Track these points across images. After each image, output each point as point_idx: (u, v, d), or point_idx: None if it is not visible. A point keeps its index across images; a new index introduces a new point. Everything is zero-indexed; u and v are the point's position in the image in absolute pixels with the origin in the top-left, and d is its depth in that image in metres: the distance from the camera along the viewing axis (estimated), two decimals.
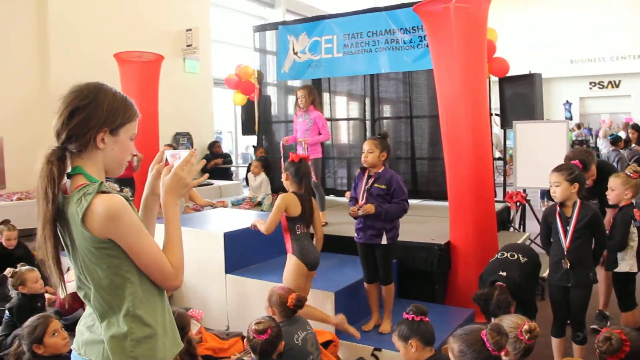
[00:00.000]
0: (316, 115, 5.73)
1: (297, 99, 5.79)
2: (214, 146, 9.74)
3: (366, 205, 3.72)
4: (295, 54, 7.82)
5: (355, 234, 3.93)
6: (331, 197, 7.95)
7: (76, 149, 1.60)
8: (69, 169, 1.61)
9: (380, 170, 3.79)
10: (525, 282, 3.47)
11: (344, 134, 8.46)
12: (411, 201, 7.14)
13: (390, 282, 3.89)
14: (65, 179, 1.60)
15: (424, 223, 5.81)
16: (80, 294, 1.65)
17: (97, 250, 1.54)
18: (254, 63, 8.49)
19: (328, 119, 7.83)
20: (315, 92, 5.89)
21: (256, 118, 8.47)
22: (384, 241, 3.78)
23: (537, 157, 5.75)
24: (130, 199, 1.59)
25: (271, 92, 8.63)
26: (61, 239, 1.62)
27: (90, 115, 1.59)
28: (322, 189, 5.79)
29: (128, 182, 6.26)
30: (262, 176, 7.31)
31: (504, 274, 3.45)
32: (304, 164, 3.64)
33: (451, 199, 4.82)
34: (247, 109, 8.71)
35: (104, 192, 1.55)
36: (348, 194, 5.02)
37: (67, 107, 1.59)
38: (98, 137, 1.60)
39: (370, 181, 3.79)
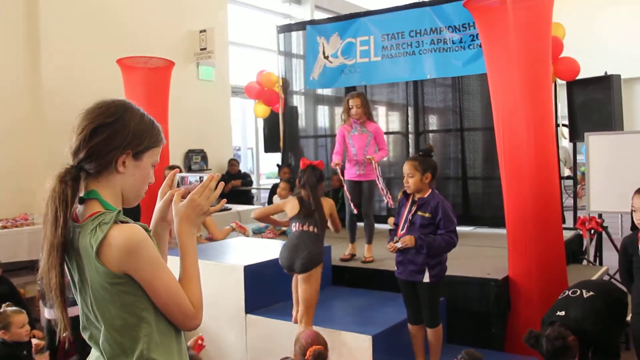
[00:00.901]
0: (375, 128, 5.73)
1: (347, 109, 5.73)
2: (230, 164, 9.91)
3: (405, 236, 3.75)
4: (326, 58, 7.93)
5: (395, 268, 3.96)
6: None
7: (94, 170, 1.65)
8: (81, 193, 1.66)
9: (425, 195, 3.82)
10: (594, 322, 3.36)
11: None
12: (462, 228, 7.29)
13: (437, 324, 3.89)
14: (77, 204, 1.65)
15: (477, 255, 5.82)
16: (85, 335, 1.68)
17: (112, 286, 1.58)
18: (278, 69, 8.61)
19: None
20: (367, 100, 5.92)
21: (281, 132, 8.56)
22: (426, 279, 3.79)
23: (615, 176, 5.72)
24: (149, 229, 1.64)
25: (298, 102, 8.74)
26: (67, 272, 1.66)
27: (116, 133, 1.65)
28: (373, 217, 5.79)
29: (132, 208, 6.38)
30: (291, 200, 7.31)
31: (562, 313, 3.39)
32: (309, 171, 4.20)
33: (510, 226, 4.81)
34: (271, 122, 8.81)
35: (121, 221, 1.59)
36: (391, 220, 5.10)
37: (91, 123, 1.64)
38: (120, 159, 1.66)
39: (414, 208, 3.81)
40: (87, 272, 1.60)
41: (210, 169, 9.54)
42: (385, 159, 8.27)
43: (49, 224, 1.59)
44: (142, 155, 1.70)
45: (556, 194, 4.79)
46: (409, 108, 7.93)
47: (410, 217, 3.80)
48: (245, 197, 9.75)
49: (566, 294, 3.60)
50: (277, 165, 8.84)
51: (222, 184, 1.80)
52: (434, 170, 3.84)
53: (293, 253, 3.99)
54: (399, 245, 3.75)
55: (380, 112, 8.45)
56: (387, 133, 8.28)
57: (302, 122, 8.74)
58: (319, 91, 8.48)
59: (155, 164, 1.76)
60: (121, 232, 1.56)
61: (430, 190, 3.84)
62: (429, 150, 3.92)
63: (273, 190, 8.23)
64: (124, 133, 1.66)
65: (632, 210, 3.37)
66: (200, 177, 1.80)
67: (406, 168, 3.82)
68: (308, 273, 3.94)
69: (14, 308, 3.88)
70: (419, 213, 3.77)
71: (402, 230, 3.83)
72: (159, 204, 1.85)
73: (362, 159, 5.59)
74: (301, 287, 3.97)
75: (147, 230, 1.62)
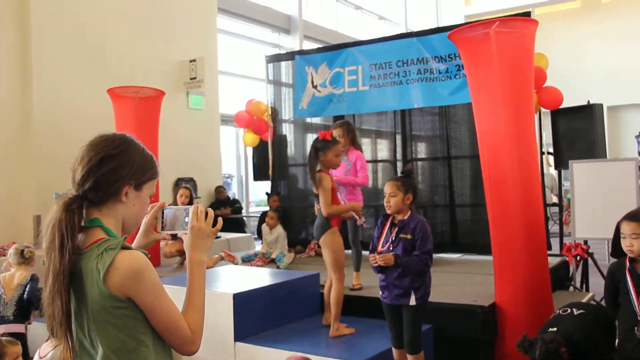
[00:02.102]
0: (356, 156, 5.83)
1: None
2: (218, 191, 9.88)
3: (386, 254, 3.76)
4: (315, 87, 7.99)
5: (381, 293, 3.97)
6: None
7: (98, 199, 1.72)
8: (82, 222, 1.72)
9: (406, 217, 3.84)
10: (585, 335, 3.30)
11: (372, 178, 8.49)
12: (450, 256, 7.37)
13: (418, 350, 3.87)
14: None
15: (465, 282, 5.82)
16: None
17: (115, 309, 1.63)
18: (267, 98, 8.70)
19: None
20: (353, 127, 6.00)
21: (270, 161, 8.59)
22: (412, 302, 3.81)
23: (600, 202, 5.74)
24: (148, 255, 1.70)
25: (287, 130, 8.80)
26: None
27: (122, 164, 1.73)
28: (359, 244, 5.82)
29: None
30: (279, 230, 7.38)
31: (554, 329, 3.37)
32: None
33: (496, 253, 4.83)
34: (260, 151, 8.86)
35: (126, 247, 1.66)
36: None
37: (98, 154, 1.71)
38: (124, 190, 1.74)
39: (395, 230, 3.84)
40: (87, 296, 1.64)
41: (199, 197, 9.54)
42: (372, 186, 8.32)
43: (55, 251, 1.63)
44: (142, 186, 1.79)
45: (541, 220, 4.83)
46: (397, 136, 7.97)
47: (392, 238, 3.82)
48: (235, 225, 9.72)
49: (557, 312, 3.60)
50: (266, 193, 8.84)
51: (211, 210, 1.86)
52: (415, 191, 3.88)
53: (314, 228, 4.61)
54: (379, 259, 3.75)
55: (369, 140, 8.50)
56: (376, 161, 8.35)
57: (291, 150, 8.77)
58: (308, 119, 8.53)
59: (152, 195, 1.84)
60: (126, 258, 1.63)
61: (409, 212, 3.86)
62: (409, 172, 3.96)
63: (262, 218, 8.20)
64: (130, 164, 1.74)
65: (623, 237, 3.41)
66: (185, 210, 1.87)
67: (388, 188, 3.85)
68: (322, 238, 4.51)
69: (9, 338, 3.89)
70: (401, 235, 3.79)
71: (382, 247, 3.85)
72: (141, 230, 1.92)
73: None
74: (323, 253, 4.60)
75: (146, 254, 1.68)
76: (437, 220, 7.56)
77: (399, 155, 8.01)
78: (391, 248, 3.81)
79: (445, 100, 7.07)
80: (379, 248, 3.88)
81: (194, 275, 1.80)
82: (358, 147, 5.98)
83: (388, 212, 3.87)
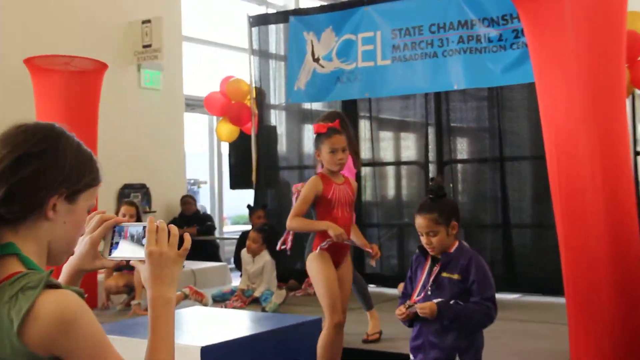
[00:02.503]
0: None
1: None
2: (184, 203, 9.92)
3: (424, 303, 3.70)
4: (316, 61, 8.04)
5: (411, 357, 3.91)
6: (375, 289, 7.94)
7: (13, 216, 1.66)
8: None
9: (452, 250, 3.84)
10: None
11: (394, 187, 8.61)
12: (503, 296, 7.22)
13: None
14: None
15: (525, 333, 5.77)
16: None
17: None
18: (251, 75, 8.64)
19: (370, 164, 8.12)
20: (347, 122, 6.12)
21: (253, 162, 8.55)
22: None
23: None
24: (84, 295, 1.65)
25: (277, 120, 8.81)
26: None
27: (47, 167, 1.67)
28: (358, 274, 5.97)
29: None
30: (265, 257, 7.36)
31: None
32: None
33: (571, 294, 4.76)
34: (240, 148, 8.85)
35: (52, 285, 1.59)
36: (401, 286, 5.00)
37: (13, 152, 1.66)
38: (50, 202, 1.68)
39: (436, 269, 3.83)
40: None
41: (154, 212, 9.52)
42: (395, 198, 8.50)
43: None
44: (77, 197, 1.74)
45: (637, 247, 4.72)
46: (430, 129, 8.00)
47: (431, 280, 3.82)
48: (205, 250, 9.73)
49: None
50: (248, 207, 8.82)
51: (174, 227, 1.86)
52: (457, 213, 3.88)
53: None
54: (417, 310, 3.71)
55: (390, 134, 8.55)
56: (399, 163, 8.44)
57: (282, 147, 8.81)
58: (307, 105, 8.58)
59: (91, 209, 1.81)
60: (53, 302, 1.56)
61: (456, 243, 3.86)
62: (439, 187, 3.93)
63: (242, 241, 8.22)
64: (59, 167, 1.69)
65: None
66: (144, 227, 1.86)
67: (422, 224, 3.80)
68: (306, 265, 4.80)
69: None
70: (444, 274, 3.79)
71: (417, 296, 3.82)
72: (77, 251, 1.89)
73: None
74: None
75: (82, 295, 1.62)
76: (484, 247, 7.59)
77: (431, 156, 8.02)
78: (429, 292, 3.79)
79: (497, 79, 7.10)
80: (414, 297, 3.83)
81: (159, 318, 1.78)
82: (349, 149, 6.08)
83: (432, 253, 3.85)
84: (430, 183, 4.00)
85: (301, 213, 4.74)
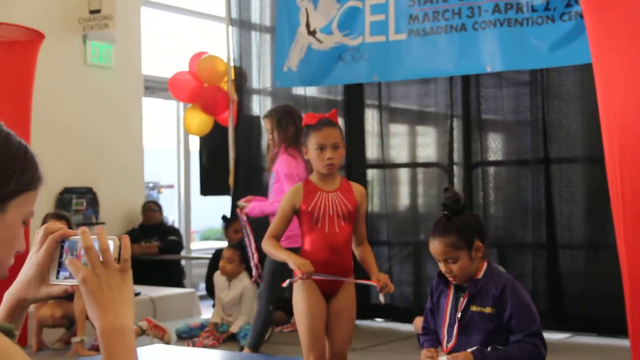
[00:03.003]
0: (283, 162, 6.49)
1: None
2: (147, 210, 9.98)
3: (458, 354, 3.74)
4: (312, 34, 8.08)
5: None
6: (383, 324, 7.97)
7: None
8: None
9: (480, 276, 3.90)
10: None
11: (408, 195, 8.63)
12: (549, 336, 6.77)
13: None
14: None
15: None
16: None
17: None
18: (229, 51, 8.70)
19: (378, 165, 8.23)
20: (295, 117, 6.54)
21: (231, 161, 8.59)
22: None
23: None
24: (16, 333, 1.66)
25: (262, 108, 8.77)
26: None
27: None
28: (267, 303, 6.49)
29: None
30: (243, 281, 7.41)
31: None
32: None
33: (637, 336, 4.75)
34: (213, 143, 8.97)
35: None
36: (418, 323, 5.06)
37: None
38: None
39: (463, 301, 3.88)
40: None
41: (102, 223, 9.50)
42: (409, 209, 8.57)
43: None
44: (6, 204, 1.74)
45: None
46: (455, 122, 8.02)
47: (458, 315, 3.88)
48: (168, 273, 9.75)
49: None
50: (224, 218, 8.83)
51: (126, 238, 1.85)
52: (482, 230, 3.97)
53: None
54: None
55: (404, 129, 8.61)
56: (415, 165, 8.47)
57: (266, 142, 8.54)
58: (299, 90, 8.60)
59: (28, 219, 1.80)
60: None
61: (484, 266, 3.92)
62: (455, 201, 3.97)
63: (215, 260, 8.27)
64: None
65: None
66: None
67: (438, 250, 3.87)
68: None
69: None
70: (474, 308, 3.85)
71: (448, 339, 3.87)
72: (33, 260, 1.89)
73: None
74: None
75: (11, 333, 1.60)
76: (524, 273, 7.60)
77: (456, 156, 8.06)
78: (455, 328, 3.84)
79: (543, 59, 7.13)
80: (444, 344, 3.89)
81: (113, 354, 1.75)
82: (293, 150, 6.45)
83: (455, 282, 3.93)
84: (445, 194, 4.04)
85: (277, 232, 4.84)
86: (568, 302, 7.49)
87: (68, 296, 6.42)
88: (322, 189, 4.77)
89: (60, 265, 1.90)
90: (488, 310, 3.80)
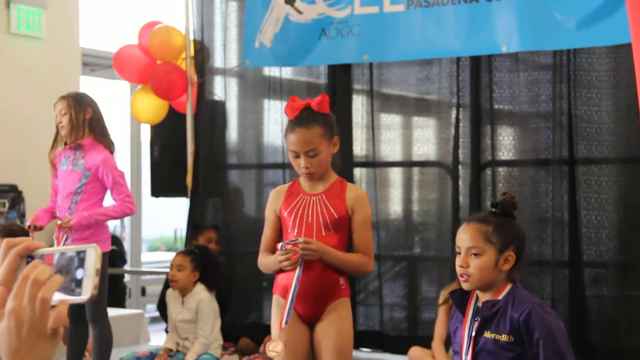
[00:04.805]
0: (103, 159, 6.29)
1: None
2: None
3: None
4: (291, 2, 7.93)
5: None
6: (372, 355, 8.03)
7: None
8: None
9: (500, 296, 3.86)
10: None
11: (401, 200, 8.39)
12: None
13: None
14: None
15: None
16: None
17: None
18: (187, 21, 8.61)
19: (366, 163, 8.25)
20: (92, 104, 6.48)
21: (189, 156, 8.46)
22: None
23: None
24: None
25: (228, 92, 8.79)
26: None
27: None
28: (106, 325, 6.48)
29: None
30: (199, 294, 7.21)
31: None
32: None
33: None
34: (168, 134, 8.92)
35: None
36: (415, 351, 5.98)
37: None
38: None
39: (477, 325, 3.88)
40: None
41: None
42: (405, 214, 8.50)
43: None
44: None
45: None
46: (461, 112, 7.78)
47: (472, 342, 3.88)
48: (109, 291, 9.23)
49: None
50: (193, 225, 8.78)
51: (62, 305, 1.79)
52: (522, 244, 3.90)
53: None
54: None
55: (399, 120, 8.36)
56: (412, 164, 8.27)
57: (233, 134, 8.74)
58: (273, 72, 8.48)
59: None
60: None
61: (508, 287, 3.86)
62: (510, 204, 3.93)
63: (167, 282, 8.16)
64: None
65: None
66: (78, 253, 1.84)
67: (466, 237, 3.87)
68: None
69: None
70: (487, 335, 3.83)
71: None
72: None
73: (63, 218, 6.26)
74: None
75: None
76: (542, 295, 7.31)
77: (462, 154, 7.80)
78: (469, 357, 3.85)
79: (570, 38, 6.90)
80: None
81: None
82: (105, 141, 6.45)
83: (465, 286, 3.93)
84: (501, 196, 4.01)
85: (266, 244, 4.81)
86: (593, 331, 7.15)
87: None
88: (306, 192, 4.75)
89: None
90: (504, 338, 3.76)
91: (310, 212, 4.75)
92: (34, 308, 1.71)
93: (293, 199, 4.74)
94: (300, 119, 4.67)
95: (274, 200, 4.80)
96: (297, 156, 4.65)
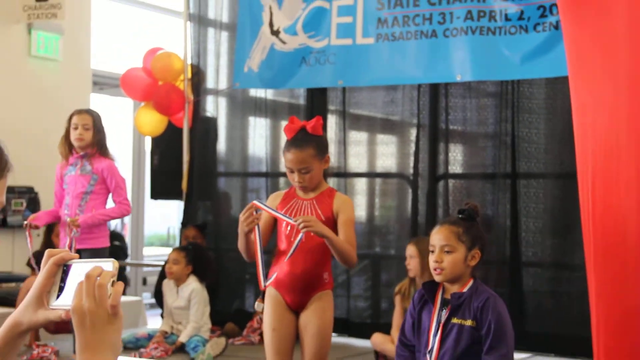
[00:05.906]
0: (108, 166, 6.76)
1: (67, 131, 6.80)
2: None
3: None
4: (276, 33, 8.12)
5: None
6: (338, 339, 7.96)
7: None
8: None
9: (465, 289, 4.05)
10: None
11: (365, 206, 8.63)
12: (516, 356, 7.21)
13: None
14: None
15: None
16: None
17: None
18: (186, 47, 8.69)
19: (337, 174, 8.18)
20: (100, 120, 6.87)
21: (185, 164, 8.56)
22: None
23: None
24: None
25: (219, 110, 8.83)
26: None
27: None
28: None
29: None
30: (191, 284, 7.39)
31: None
32: None
33: (602, 356, 4.66)
34: (167, 145, 8.91)
35: None
36: (377, 337, 5.03)
37: None
38: None
39: (446, 313, 4.03)
40: None
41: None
42: (369, 221, 8.60)
43: None
44: None
45: None
46: (421, 131, 8.04)
47: (441, 327, 4.05)
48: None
49: None
50: (184, 224, 8.89)
51: (119, 284, 1.82)
52: (485, 244, 4.17)
53: None
54: None
55: (365, 137, 8.59)
56: (376, 175, 8.51)
57: (223, 146, 8.86)
58: (259, 93, 8.59)
59: None
60: None
61: (471, 282, 4.09)
62: (474, 211, 4.19)
63: (162, 272, 8.28)
64: None
65: None
66: (103, 264, 1.86)
67: (440, 237, 4.08)
68: None
69: None
70: (455, 320, 4.02)
71: (428, 349, 4.01)
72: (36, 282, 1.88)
73: (73, 216, 6.60)
74: None
75: None
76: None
77: (421, 167, 8.08)
78: (437, 341, 4.00)
79: (515, 71, 7.29)
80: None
81: None
82: (107, 153, 6.90)
83: (437, 278, 4.12)
84: (465, 204, 4.26)
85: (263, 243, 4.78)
86: (530, 321, 7.55)
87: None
88: (299, 197, 4.89)
89: (61, 289, 1.89)
90: (469, 323, 3.97)
91: (301, 213, 4.84)
92: (93, 297, 1.76)
93: (288, 201, 4.89)
94: (296, 140, 4.82)
95: (273, 201, 4.94)
96: (292, 172, 4.81)
